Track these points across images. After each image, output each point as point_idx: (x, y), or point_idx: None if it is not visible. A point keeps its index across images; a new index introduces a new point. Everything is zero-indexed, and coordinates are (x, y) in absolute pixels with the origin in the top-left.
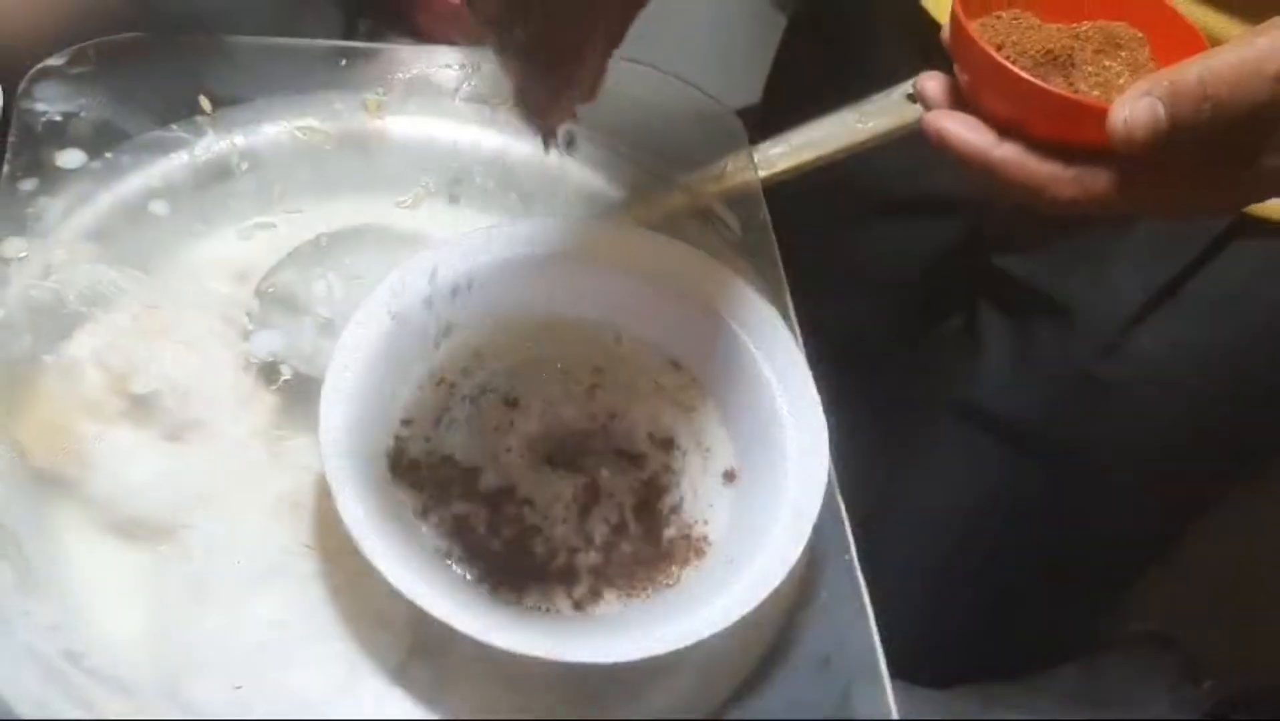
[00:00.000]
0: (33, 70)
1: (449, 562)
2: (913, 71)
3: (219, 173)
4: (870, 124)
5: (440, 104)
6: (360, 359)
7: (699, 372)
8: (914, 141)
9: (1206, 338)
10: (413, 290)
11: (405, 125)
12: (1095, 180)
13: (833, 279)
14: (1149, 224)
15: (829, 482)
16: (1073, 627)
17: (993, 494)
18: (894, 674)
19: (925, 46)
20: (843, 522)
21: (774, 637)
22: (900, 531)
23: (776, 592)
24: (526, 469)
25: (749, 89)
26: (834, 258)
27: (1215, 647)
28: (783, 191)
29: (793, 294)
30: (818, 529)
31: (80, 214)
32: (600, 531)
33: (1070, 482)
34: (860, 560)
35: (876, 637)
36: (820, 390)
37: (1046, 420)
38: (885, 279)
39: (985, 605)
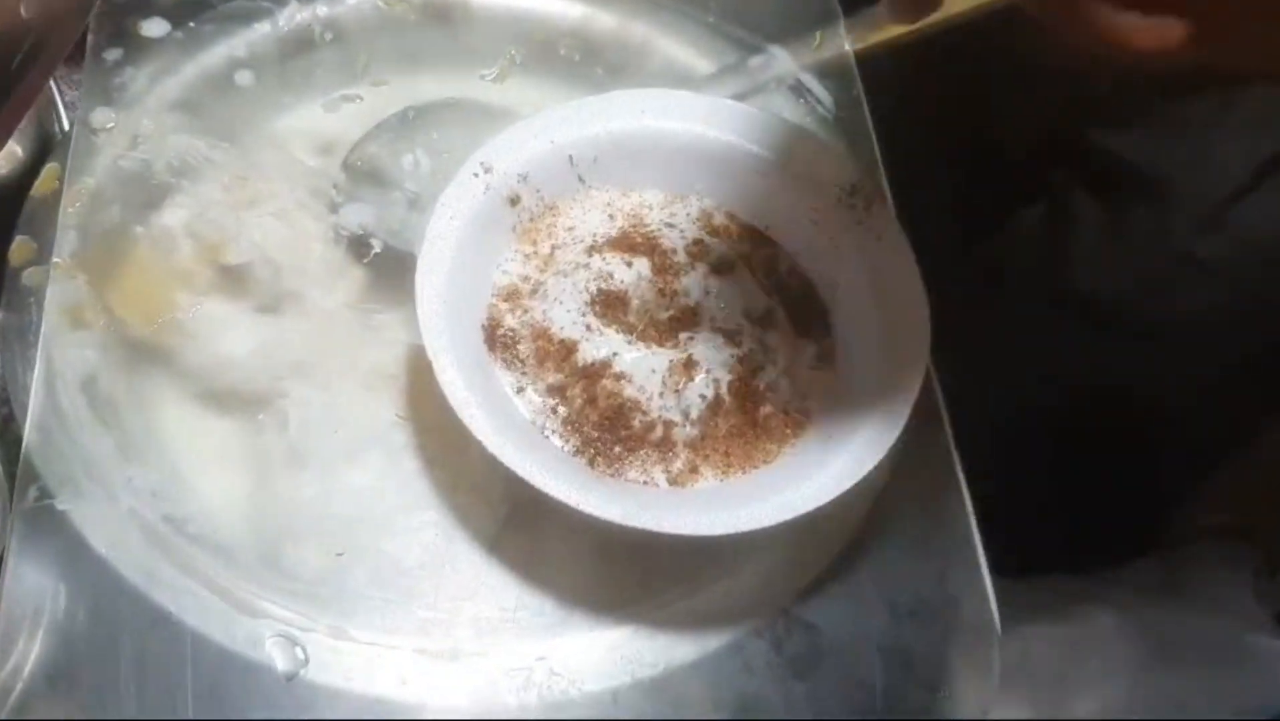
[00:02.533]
0: None
1: (546, 434)
2: None
3: (302, 43)
4: None
5: None
6: (455, 230)
7: (797, 250)
8: (1010, 15)
9: None
10: (507, 161)
11: None
12: (1171, 30)
13: (929, 158)
14: (1254, 94)
15: (927, 370)
16: (1152, 519)
17: (1082, 378)
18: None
19: None
20: (939, 404)
21: (868, 515)
22: (989, 416)
23: (872, 472)
24: (624, 343)
25: None
26: (929, 136)
27: None
28: (877, 66)
29: (886, 170)
30: (915, 410)
31: (165, 84)
32: (697, 406)
33: (1161, 366)
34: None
35: (972, 517)
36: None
37: (1141, 301)
38: (982, 155)
39: (1069, 492)
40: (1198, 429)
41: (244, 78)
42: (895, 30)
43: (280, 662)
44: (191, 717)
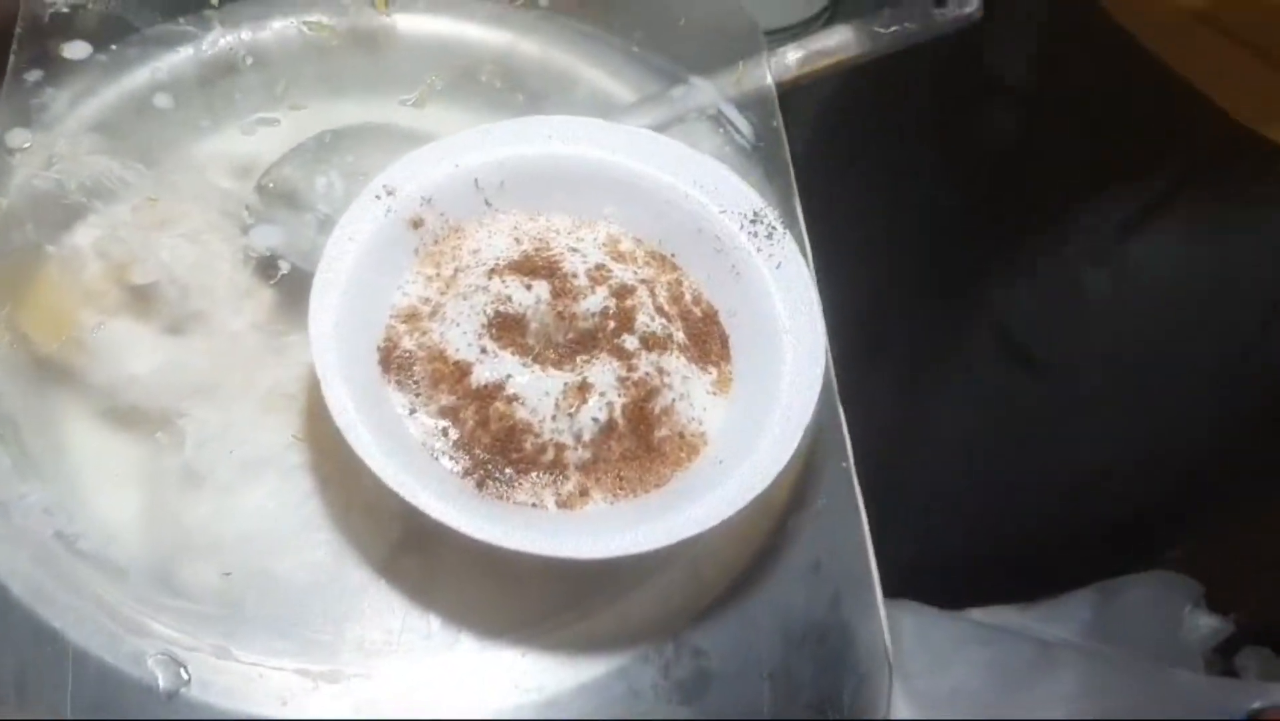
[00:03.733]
0: None
1: (436, 456)
2: None
3: (225, 68)
4: (892, 29)
5: (450, 1)
6: (354, 251)
7: (698, 275)
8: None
9: (1198, 255)
10: (410, 184)
11: (413, 22)
12: None
13: (845, 190)
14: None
15: (830, 390)
16: (1078, 558)
17: (997, 406)
18: (893, 592)
19: None
20: (842, 430)
21: (765, 542)
22: (900, 446)
23: (768, 496)
24: (518, 365)
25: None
26: (845, 168)
27: (1235, 580)
28: (799, 99)
29: (802, 200)
30: (816, 436)
31: (85, 106)
32: (590, 429)
33: (1069, 399)
34: (864, 477)
35: (869, 543)
36: (826, 301)
37: (1040, 331)
38: (899, 187)
39: (989, 530)
40: (1118, 471)
41: (163, 100)
42: (818, 63)
43: (162, 681)
44: None
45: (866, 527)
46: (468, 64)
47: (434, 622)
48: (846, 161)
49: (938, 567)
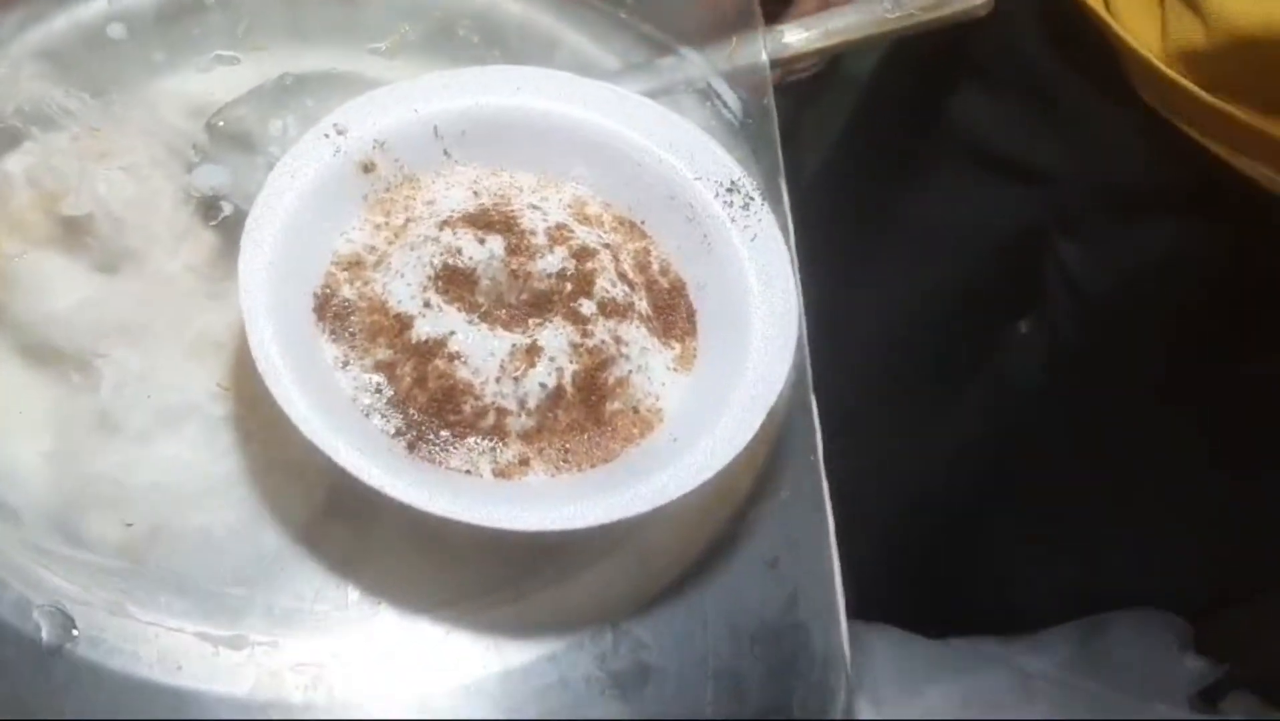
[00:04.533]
0: None
1: (367, 414)
2: None
3: (186, 3)
4: (897, 15)
5: None
6: (295, 189)
7: (668, 245)
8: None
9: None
10: (364, 125)
11: None
12: None
13: (833, 171)
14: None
15: (802, 375)
16: (1074, 583)
17: (985, 395)
18: (860, 612)
19: None
20: (813, 420)
21: (721, 532)
22: (876, 447)
23: (726, 482)
24: (464, 322)
25: None
26: (835, 148)
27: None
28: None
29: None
30: (784, 424)
31: (32, 31)
32: (536, 395)
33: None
34: (832, 473)
35: (833, 541)
36: (809, 294)
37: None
38: (886, 167)
39: (980, 547)
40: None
41: (117, 31)
42: (820, 44)
43: (46, 634)
44: None
45: (832, 525)
46: (444, 17)
47: (352, 593)
48: (839, 139)
49: (910, 582)
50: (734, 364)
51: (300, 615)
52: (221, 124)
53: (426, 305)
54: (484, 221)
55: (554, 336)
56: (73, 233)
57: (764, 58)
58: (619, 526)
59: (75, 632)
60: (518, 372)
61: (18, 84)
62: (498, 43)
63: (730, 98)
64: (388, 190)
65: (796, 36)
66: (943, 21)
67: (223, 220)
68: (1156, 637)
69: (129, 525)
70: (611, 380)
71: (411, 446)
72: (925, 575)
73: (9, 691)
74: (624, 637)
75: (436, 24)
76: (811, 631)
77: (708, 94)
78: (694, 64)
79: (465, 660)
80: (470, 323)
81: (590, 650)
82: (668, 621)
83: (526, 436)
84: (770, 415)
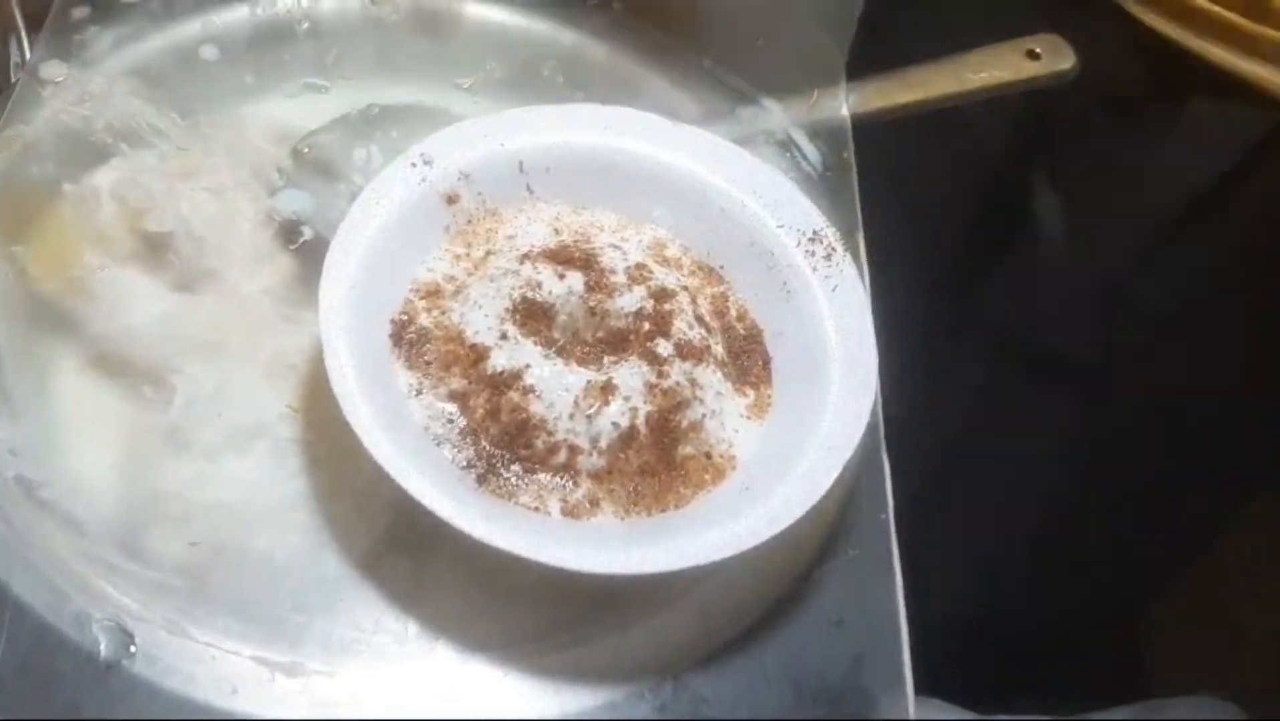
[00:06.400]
0: None
1: (438, 443)
2: (1006, 22)
3: (277, 29)
4: (981, 75)
5: None
6: (380, 216)
7: (746, 292)
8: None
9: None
10: (450, 156)
11: (481, 9)
12: None
13: (912, 230)
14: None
15: (875, 433)
16: (1132, 664)
17: (1052, 455)
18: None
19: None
20: (884, 478)
21: (787, 589)
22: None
23: (795, 536)
24: (540, 357)
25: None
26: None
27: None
28: (873, 134)
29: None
30: (856, 481)
31: (128, 49)
32: (608, 435)
33: (1121, 424)
34: (902, 534)
35: (901, 605)
36: (881, 344)
37: (1090, 351)
38: (961, 231)
39: (1040, 621)
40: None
41: (209, 53)
42: (900, 99)
43: (105, 649)
44: None
45: (900, 588)
46: (531, 57)
47: (411, 627)
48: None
49: (971, 655)
50: (809, 415)
51: (358, 646)
52: (307, 150)
53: (503, 337)
54: (564, 257)
55: (629, 375)
56: (154, 249)
57: (845, 111)
58: (684, 575)
59: (133, 649)
60: (591, 410)
61: (110, 101)
62: (582, 85)
63: (810, 150)
64: (469, 222)
65: (878, 90)
66: (1029, 84)
67: (302, 245)
68: None
69: (193, 544)
70: (685, 423)
71: (481, 479)
72: (989, 645)
73: (65, 704)
74: (684, 690)
75: (522, 63)
76: (876, 698)
77: (788, 145)
78: (775, 114)
79: (522, 703)
80: (546, 357)
81: (650, 701)
82: (729, 676)
83: (597, 476)
84: (844, 471)
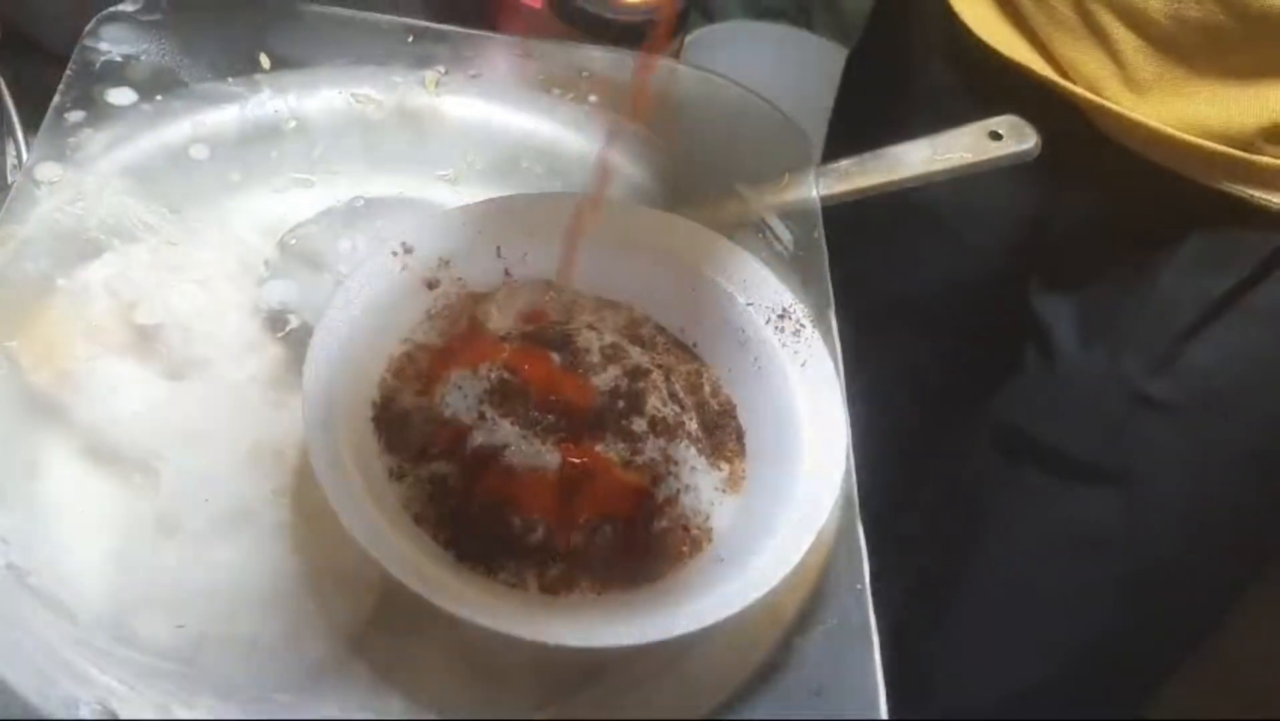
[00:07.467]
0: (103, 12)
1: (419, 524)
2: (968, 101)
3: (266, 128)
4: (946, 157)
5: (501, 89)
6: (361, 304)
7: (719, 367)
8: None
9: (1267, 351)
10: (430, 243)
11: (462, 105)
12: None
13: (876, 308)
14: (1199, 236)
15: (850, 504)
16: None
17: (1050, 535)
18: None
19: (978, 80)
20: (860, 548)
21: (766, 658)
22: (932, 582)
23: (772, 608)
24: (517, 436)
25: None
26: (883, 284)
27: None
28: (841, 216)
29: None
30: (832, 552)
31: (121, 149)
32: (584, 512)
33: (1129, 516)
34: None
35: (880, 674)
36: (855, 421)
37: (1098, 444)
38: (928, 309)
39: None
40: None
41: (199, 152)
42: (868, 182)
43: None
44: None
45: (878, 656)
46: (509, 149)
47: (395, 705)
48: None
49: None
50: (782, 487)
51: None
52: (293, 241)
53: (481, 417)
54: (541, 338)
55: (605, 453)
56: (144, 340)
57: (815, 194)
58: (664, 647)
59: None
60: (567, 488)
61: (102, 198)
62: (560, 173)
63: (782, 230)
64: (448, 305)
65: (847, 172)
66: (993, 164)
67: (289, 333)
68: None
69: (180, 626)
70: (661, 499)
71: (461, 557)
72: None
73: None
74: None
75: (502, 155)
76: None
77: (760, 227)
78: (747, 198)
79: None
80: (524, 437)
81: None
82: None
83: (574, 552)
84: (818, 541)
